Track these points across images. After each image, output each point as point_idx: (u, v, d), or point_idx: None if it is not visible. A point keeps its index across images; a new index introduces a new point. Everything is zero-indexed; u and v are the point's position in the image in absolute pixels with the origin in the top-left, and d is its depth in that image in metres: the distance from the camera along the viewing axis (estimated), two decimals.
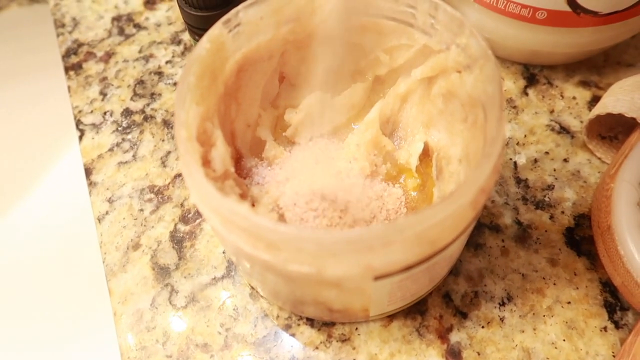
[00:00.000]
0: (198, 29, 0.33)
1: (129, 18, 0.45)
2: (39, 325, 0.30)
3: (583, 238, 0.30)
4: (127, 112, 0.39)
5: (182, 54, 0.42)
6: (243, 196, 0.26)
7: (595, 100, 0.36)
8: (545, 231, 0.31)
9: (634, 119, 0.29)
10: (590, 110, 0.36)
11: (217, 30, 0.25)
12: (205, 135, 0.25)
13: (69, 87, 0.41)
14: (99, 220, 0.33)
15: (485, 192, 0.21)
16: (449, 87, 0.26)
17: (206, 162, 0.24)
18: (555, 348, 0.27)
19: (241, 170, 0.28)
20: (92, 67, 0.42)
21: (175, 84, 0.40)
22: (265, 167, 0.28)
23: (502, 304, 0.28)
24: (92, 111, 0.39)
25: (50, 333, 0.29)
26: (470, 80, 0.24)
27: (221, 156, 0.24)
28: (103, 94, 0.40)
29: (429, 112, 0.28)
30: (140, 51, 0.43)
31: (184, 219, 0.33)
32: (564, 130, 0.35)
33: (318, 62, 0.30)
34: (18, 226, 0.33)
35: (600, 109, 0.31)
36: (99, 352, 0.29)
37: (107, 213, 0.34)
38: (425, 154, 0.29)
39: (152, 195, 0.34)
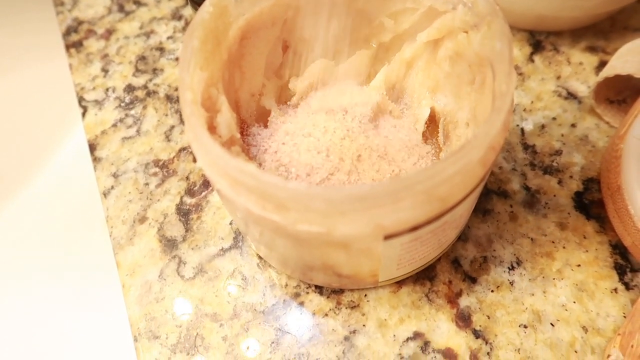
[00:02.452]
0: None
1: None
2: (48, 300, 0.30)
3: (592, 202, 0.30)
4: (129, 88, 0.39)
5: (183, 29, 0.42)
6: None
7: (602, 65, 0.36)
8: (554, 196, 0.30)
9: None
10: (597, 75, 0.35)
11: None
12: (210, 101, 0.24)
13: (70, 65, 0.41)
14: (105, 195, 0.33)
15: (494, 150, 0.21)
16: (456, 49, 0.26)
17: (212, 128, 0.24)
18: (566, 310, 0.27)
19: (247, 139, 0.28)
20: (93, 45, 0.42)
21: (177, 59, 0.40)
22: (269, 134, 0.28)
23: (512, 268, 0.28)
24: (94, 88, 0.39)
25: (59, 307, 0.30)
26: (478, 38, 0.23)
27: (227, 122, 0.24)
28: (105, 70, 0.40)
29: (435, 76, 0.28)
30: (140, 27, 0.42)
31: (189, 192, 0.33)
32: (571, 95, 0.34)
33: (322, 30, 0.29)
34: (24, 203, 0.33)
35: (608, 71, 0.30)
36: (109, 324, 0.29)
37: (112, 188, 0.33)
38: (432, 120, 0.28)
39: (157, 169, 0.34)
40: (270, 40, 0.29)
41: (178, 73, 0.22)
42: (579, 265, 0.28)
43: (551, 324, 0.26)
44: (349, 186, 0.24)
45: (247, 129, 0.28)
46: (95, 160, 0.35)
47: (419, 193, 0.19)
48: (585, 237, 0.29)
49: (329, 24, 0.29)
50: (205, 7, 0.24)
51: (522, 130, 0.33)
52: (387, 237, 0.21)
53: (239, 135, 0.25)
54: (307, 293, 0.28)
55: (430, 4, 0.26)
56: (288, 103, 0.30)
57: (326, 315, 0.28)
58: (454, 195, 0.20)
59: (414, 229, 0.21)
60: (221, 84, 0.25)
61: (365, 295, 0.28)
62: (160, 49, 0.41)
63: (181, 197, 0.32)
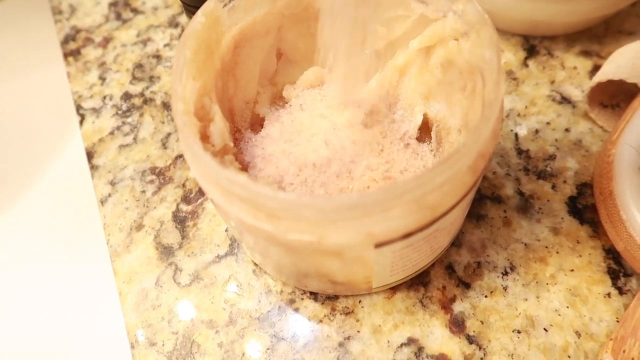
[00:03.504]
0: (195, 7, 0.33)
1: (126, 3, 0.45)
2: (44, 307, 0.30)
3: (585, 206, 0.30)
4: (126, 96, 0.39)
5: (180, 36, 0.42)
6: (243, 170, 0.26)
7: (596, 69, 0.36)
8: (548, 201, 0.30)
9: (635, 85, 0.29)
10: (591, 79, 0.35)
11: (211, 4, 0.25)
12: (203, 111, 0.25)
13: (68, 73, 0.41)
14: (102, 202, 0.33)
15: (484, 157, 0.21)
16: (447, 56, 0.26)
17: (205, 137, 0.24)
18: (559, 315, 0.27)
19: (240, 146, 0.28)
20: (91, 53, 0.42)
21: None
22: (262, 141, 0.28)
23: (505, 274, 0.28)
24: (91, 96, 0.39)
25: (56, 314, 0.30)
26: (468, 46, 0.24)
27: (220, 131, 0.25)
28: (102, 78, 0.40)
29: (427, 83, 0.28)
30: (137, 35, 0.43)
31: (185, 199, 0.33)
32: (565, 100, 0.35)
33: (315, 37, 0.30)
34: (20, 211, 0.33)
35: (601, 76, 0.31)
36: (106, 331, 0.29)
37: (109, 195, 0.34)
38: (425, 126, 0.29)
39: (154, 177, 0.34)
40: (264, 48, 0.29)
41: (171, 83, 0.23)
42: (572, 270, 0.28)
43: (544, 329, 0.26)
44: (339, 195, 0.24)
45: (242, 136, 0.28)
46: (93, 168, 0.35)
47: (409, 201, 0.19)
48: (578, 242, 0.29)
49: (322, 32, 0.29)
50: (198, 18, 0.24)
51: (516, 135, 0.33)
52: (378, 245, 0.21)
53: (232, 144, 0.26)
54: (302, 299, 0.29)
55: (422, 11, 0.26)
56: (281, 108, 0.30)
57: (321, 321, 0.28)
58: (444, 203, 0.21)
59: (405, 236, 0.21)
60: (214, 93, 0.25)
61: (360, 301, 0.28)
62: (157, 57, 0.41)
63: (177, 205, 0.33)
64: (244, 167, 0.26)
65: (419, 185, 0.19)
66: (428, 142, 0.28)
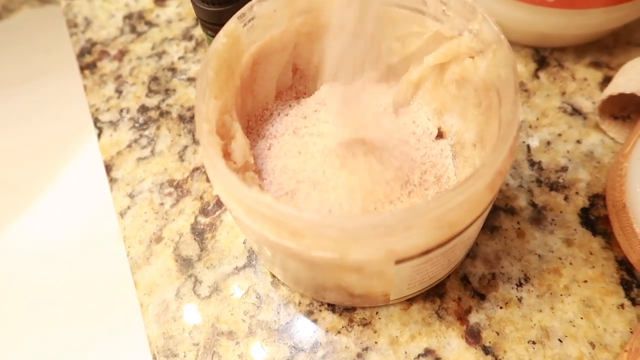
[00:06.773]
0: (211, 24, 0.33)
1: (140, 16, 0.46)
2: (68, 319, 0.31)
3: (598, 218, 0.31)
4: (143, 109, 0.40)
5: (194, 49, 0.43)
6: (262, 187, 0.26)
7: (606, 80, 0.36)
8: (560, 212, 0.31)
9: None
10: (602, 91, 0.36)
11: (232, 24, 0.25)
12: (225, 129, 0.25)
13: (84, 86, 0.42)
14: (121, 215, 0.34)
15: (502, 175, 0.22)
16: (462, 73, 0.26)
17: (227, 155, 0.25)
18: (573, 326, 0.27)
19: (257, 156, 0.29)
20: (107, 66, 0.43)
21: (188, 79, 0.41)
22: (278, 152, 0.29)
23: (520, 285, 0.29)
24: (108, 109, 0.40)
25: (79, 327, 0.31)
26: (484, 65, 0.24)
27: (241, 148, 0.25)
28: (118, 91, 0.41)
29: (442, 98, 0.29)
30: (152, 48, 0.43)
31: (204, 212, 0.33)
32: (576, 111, 0.35)
33: (330, 53, 0.30)
34: (42, 225, 0.34)
35: (612, 89, 0.31)
36: (128, 343, 0.30)
37: (128, 208, 0.34)
38: (439, 140, 0.29)
39: (172, 189, 0.35)
40: (281, 64, 0.30)
41: (195, 103, 0.23)
42: (585, 282, 0.28)
43: (559, 340, 0.27)
44: (361, 215, 0.25)
45: (256, 147, 0.29)
46: (112, 180, 0.36)
47: (429, 220, 0.20)
48: (591, 254, 0.29)
49: (337, 48, 0.30)
50: (219, 38, 0.25)
51: (528, 147, 0.34)
52: (399, 262, 0.21)
53: (252, 160, 0.26)
54: (320, 311, 0.29)
55: (437, 29, 0.27)
56: (295, 121, 0.31)
57: (339, 332, 0.28)
58: (463, 220, 0.21)
59: (425, 253, 0.21)
60: (235, 111, 0.26)
61: (377, 312, 0.29)
62: (172, 70, 0.42)
63: (195, 217, 0.33)
64: (261, 180, 0.27)
65: (439, 205, 0.19)
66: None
